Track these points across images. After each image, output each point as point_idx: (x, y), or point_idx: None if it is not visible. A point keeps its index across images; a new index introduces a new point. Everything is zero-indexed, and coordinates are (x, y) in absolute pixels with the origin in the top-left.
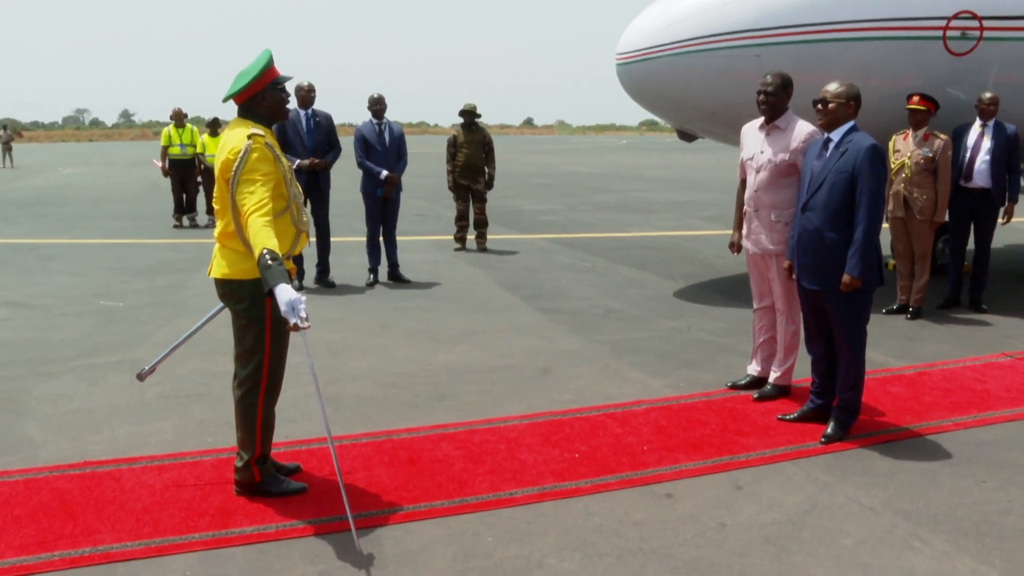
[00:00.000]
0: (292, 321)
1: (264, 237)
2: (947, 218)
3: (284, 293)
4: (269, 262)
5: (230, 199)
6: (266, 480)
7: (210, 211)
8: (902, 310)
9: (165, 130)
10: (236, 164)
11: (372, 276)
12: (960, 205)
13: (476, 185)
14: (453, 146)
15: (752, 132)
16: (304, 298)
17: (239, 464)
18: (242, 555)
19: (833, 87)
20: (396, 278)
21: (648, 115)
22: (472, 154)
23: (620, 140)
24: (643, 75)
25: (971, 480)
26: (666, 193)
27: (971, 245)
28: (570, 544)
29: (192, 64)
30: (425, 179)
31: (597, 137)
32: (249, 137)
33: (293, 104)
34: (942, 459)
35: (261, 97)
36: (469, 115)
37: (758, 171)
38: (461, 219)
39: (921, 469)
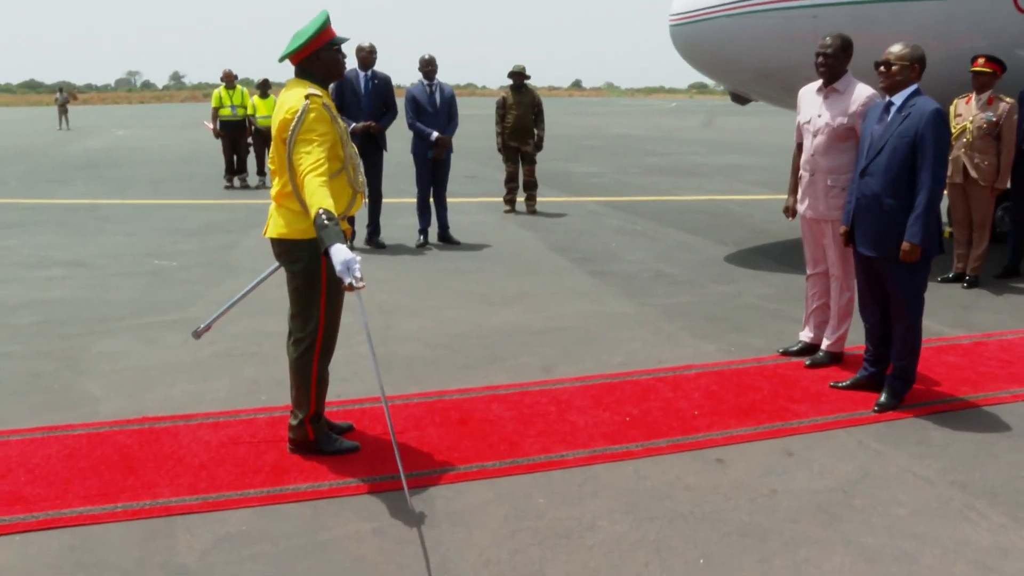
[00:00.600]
0: (347, 281)
1: (320, 197)
2: (1008, 185)
3: (340, 253)
4: (325, 222)
5: (287, 159)
6: (320, 438)
7: (260, 172)
8: (959, 279)
9: (216, 92)
10: (293, 124)
11: (422, 237)
12: (1023, 171)
13: (525, 147)
14: (502, 108)
15: (809, 95)
16: (359, 258)
17: (293, 422)
18: (296, 512)
19: (897, 48)
20: (446, 239)
21: (698, 77)
22: (521, 116)
23: (669, 103)
24: (697, 36)
25: None
26: (715, 157)
27: None
28: (621, 507)
29: (241, 26)
30: (474, 141)
31: (646, 99)
32: (307, 97)
33: (353, 64)
34: (999, 431)
35: (316, 57)
36: (518, 77)
37: (815, 135)
38: (510, 181)
39: (977, 440)
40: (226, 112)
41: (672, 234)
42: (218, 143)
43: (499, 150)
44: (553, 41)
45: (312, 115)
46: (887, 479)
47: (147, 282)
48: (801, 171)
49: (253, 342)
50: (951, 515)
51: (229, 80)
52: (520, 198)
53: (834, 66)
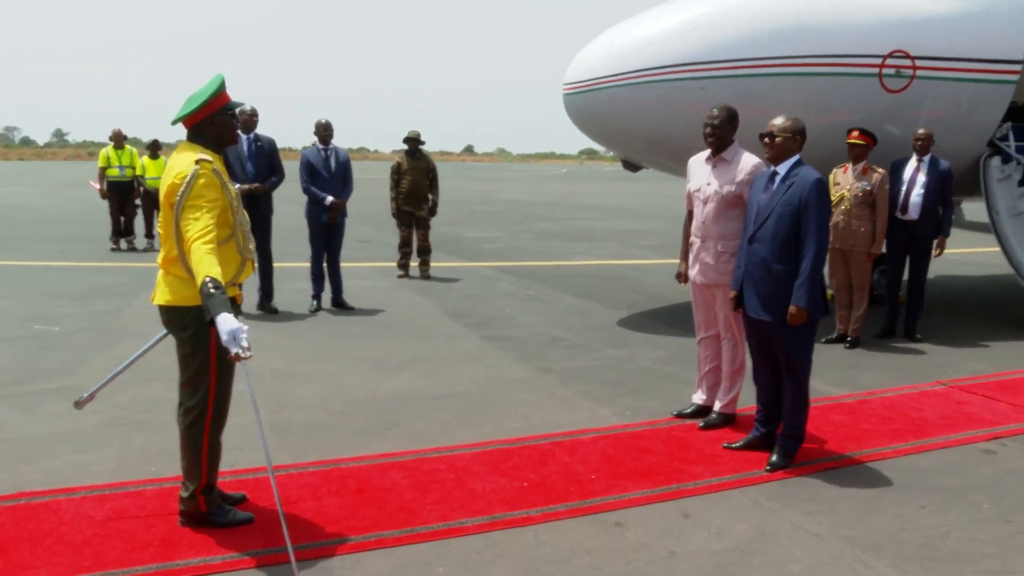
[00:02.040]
0: (233, 351)
1: (207, 265)
2: (884, 250)
3: (225, 322)
4: (212, 290)
5: (174, 224)
6: (212, 510)
7: (149, 235)
8: (840, 339)
9: (103, 151)
10: (182, 189)
11: (315, 302)
12: (896, 237)
13: (420, 212)
14: (397, 173)
15: (699, 164)
16: (246, 327)
17: (184, 494)
18: None
19: (779, 121)
20: (340, 305)
21: (588, 144)
22: (416, 181)
23: (560, 168)
24: (590, 105)
25: (911, 506)
26: (607, 222)
27: (906, 276)
28: (522, 573)
29: (130, 85)
30: (366, 205)
31: (537, 165)
32: (196, 162)
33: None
34: (883, 486)
35: (210, 121)
36: (413, 142)
37: (705, 202)
38: (404, 246)
39: (864, 496)
40: (114, 172)
41: (566, 299)
42: (104, 204)
43: (393, 215)
44: (445, 106)
45: (202, 180)
46: (781, 537)
47: (27, 348)
48: (692, 237)
49: (142, 410)
50: (842, 569)
51: (118, 140)
52: (414, 263)
53: (721, 136)
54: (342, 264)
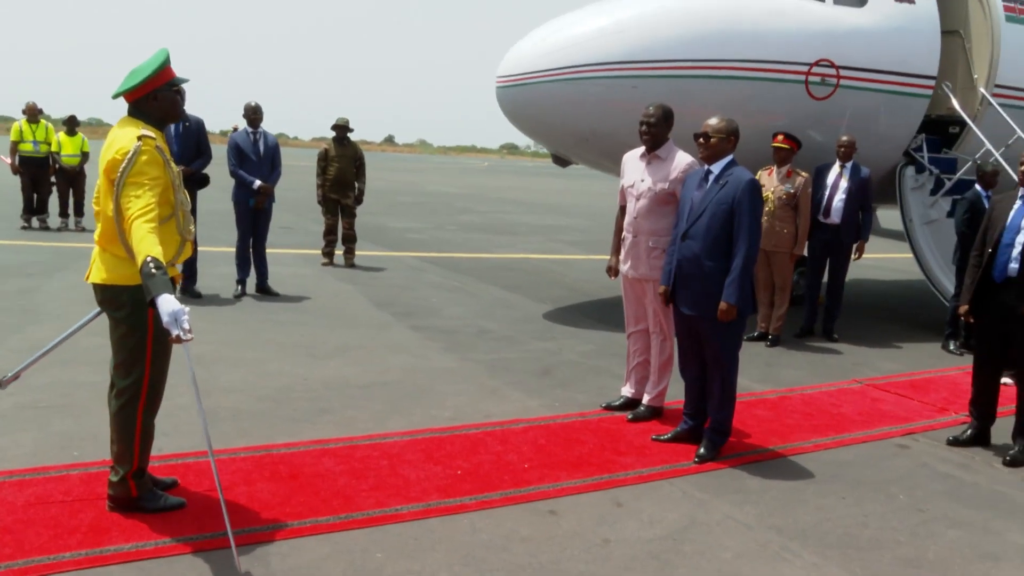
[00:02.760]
0: (175, 333)
1: (148, 244)
2: (805, 252)
3: (167, 304)
4: (153, 270)
5: (114, 201)
6: (144, 495)
7: (63, 214)
8: (762, 337)
9: (16, 125)
10: (123, 165)
11: (240, 287)
12: (817, 240)
13: (346, 200)
14: (324, 160)
15: (633, 160)
16: (187, 309)
17: (114, 478)
18: (120, 574)
19: (714, 122)
20: (265, 290)
21: (509, 138)
22: (343, 168)
23: (482, 162)
24: (523, 99)
25: (833, 497)
26: (530, 216)
27: (825, 278)
28: (460, 560)
29: (47, 56)
30: (289, 192)
31: (459, 158)
32: (139, 139)
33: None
34: (806, 478)
35: (153, 97)
36: (342, 130)
37: (638, 199)
38: (329, 233)
39: (788, 487)
40: (27, 148)
41: (491, 291)
42: (15, 180)
43: (319, 202)
44: (366, 95)
45: (144, 157)
46: (711, 526)
47: None
48: (624, 233)
49: (63, 394)
50: (769, 557)
51: (32, 114)
52: (339, 251)
53: (657, 134)
54: (266, 250)
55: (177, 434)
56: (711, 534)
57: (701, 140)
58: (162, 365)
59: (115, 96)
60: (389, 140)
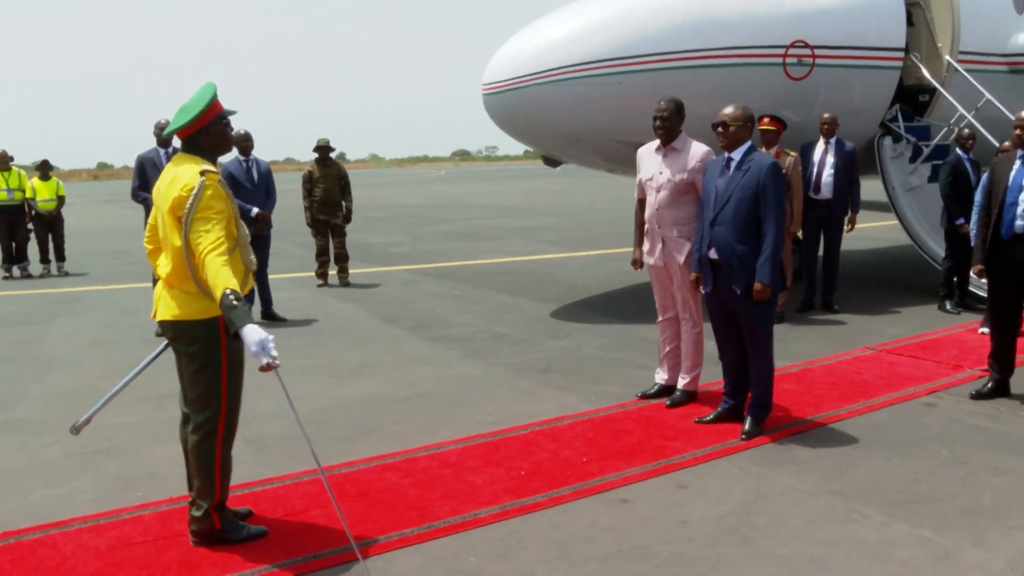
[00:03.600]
0: (264, 361)
1: (225, 277)
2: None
3: (253, 333)
4: (234, 302)
5: (182, 238)
6: (227, 527)
7: (44, 260)
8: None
9: None
10: (190, 202)
11: None
12: (811, 216)
13: (335, 220)
14: (309, 182)
15: (649, 154)
16: (272, 336)
17: (197, 513)
18: None
19: (730, 111)
20: (271, 316)
21: (460, 146)
22: (329, 188)
23: (439, 171)
24: (511, 104)
25: (879, 459)
26: (502, 220)
27: (820, 252)
28: (553, 555)
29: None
30: None
31: (413, 169)
32: (202, 174)
33: (153, 143)
34: (849, 443)
35: (205, 131)
36: (324, 150)
37: (658, 190)
38: (322, 255)
39: (836, 453)
40: (2, 196)
41: (492, 296)
42: None
43: (308, 224)
44: (314, 115)
45: (209, 192)
46: (776, 497)
47: None
48: (647, 224)
49: (104, 437)
50: (839, 519)
51: (3, 161)
52: (332, 271)
53: (670, 127)
54: None
55: (234, 464)
56: (778, 504)
57: (720, 129)
58: (237, 397)
59: (167, 134)
60: (341, 157)
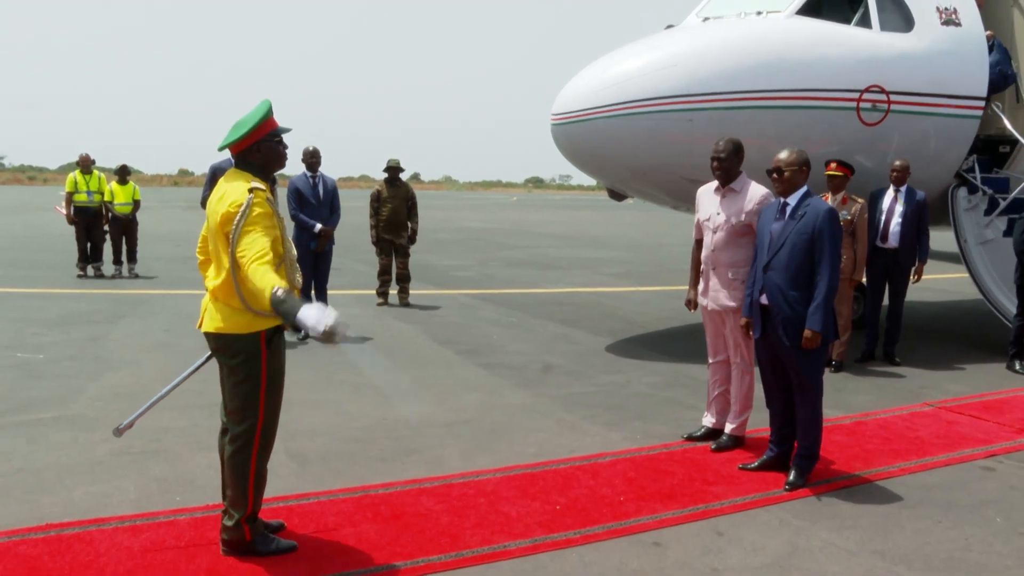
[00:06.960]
0: (340, 334)
1: (271, 278)
2: (864, 278)
3: (309, 316)
4: (282, 296)
5: (230, 253)
6: (257, 539)
7: (117, 261)
8: (826, 363)
9: (71, 176)
10: (238, 218)
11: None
12: (876, 264)
13: (399, 240)
14: (377, 201)
15: (707, 194)
16: (329, 308)
17: (228, 523)
18: None
19: (784, 155)
20: None
21: (533, 172)
22: (396, 209)
23: (511, 197)
24: (579, 135)
25: (928, 521)
26: (570, 250)
27: (885, 302)
28: None
29: (68, 106)
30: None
31: (486, 193)
32: (250, 191)
33: (223, 156)
34: (897, 502)
35: (257, 148)
36: (394, 171)
37: (715, 231)
38: (384, 274)
39: (882, 512)
40: (81, 198)
41: (549, 326)
42: (70, 229)
43: (373, 243)
44: (391, 134)
45: (257, 209)
46: (814, 552)
47: (14, 377)
48: (703, 265)
49: (153, 439)
50: None
51: (86, 165)
52: (392, 291)
53: (728, 168)
54: None
55: (274, 476)
56: (816, 560)
57: (775, 175)
58: (274, 411)
59: (220, 148)
60: (415, 177)
